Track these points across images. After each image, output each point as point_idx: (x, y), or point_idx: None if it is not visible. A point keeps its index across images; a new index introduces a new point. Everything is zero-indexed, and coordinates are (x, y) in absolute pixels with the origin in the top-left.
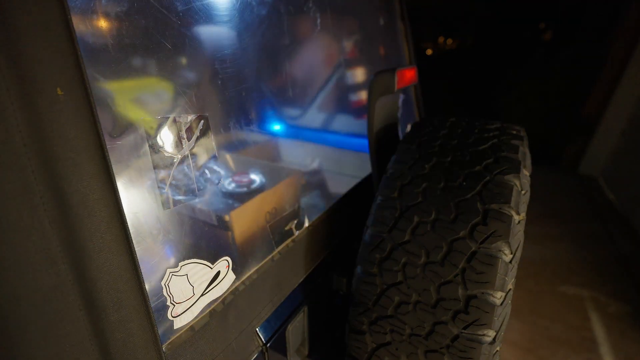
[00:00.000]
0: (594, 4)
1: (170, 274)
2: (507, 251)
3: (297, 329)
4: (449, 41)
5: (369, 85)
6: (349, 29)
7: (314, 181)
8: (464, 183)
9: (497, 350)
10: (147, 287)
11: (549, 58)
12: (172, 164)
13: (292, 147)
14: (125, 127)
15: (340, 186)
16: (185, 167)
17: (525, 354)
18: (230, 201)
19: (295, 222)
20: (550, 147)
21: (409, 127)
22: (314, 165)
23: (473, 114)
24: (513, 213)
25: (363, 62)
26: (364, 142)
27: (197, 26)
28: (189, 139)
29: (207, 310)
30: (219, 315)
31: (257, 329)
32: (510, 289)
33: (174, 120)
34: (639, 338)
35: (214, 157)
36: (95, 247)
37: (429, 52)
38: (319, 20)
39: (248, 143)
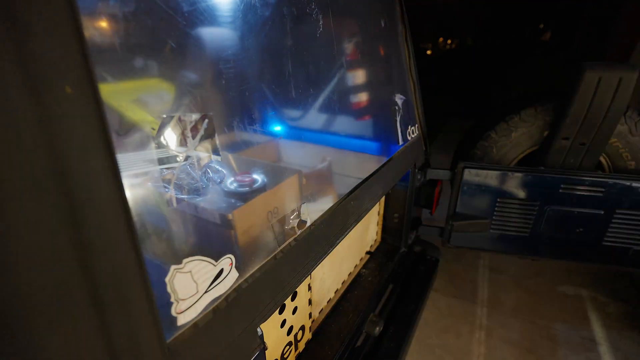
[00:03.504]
0: (592, 4)
1: (175, 270)
2: None
3: None
4: (449, 41)
5: None
6: (350, 30)
7: (316, 181)
8: None
9: None
10: (151, 283)
11: (548, 57)
12: (176, 162)
13: (294, 148)
14: (131, 125)
15: (342, 186)
16: (189, 166)
17: (525, 354)
18: (233, 200)
19: (298, 221)
20: None
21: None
22: (317, 165)
23: (472, 113)
24: None
25: (364, 63)
26: (365, 143)
27: (203, 27)
28: (193, 138)
29: (211, 308)
30: (222, 312)
31: (259, 327)
32: None
33: (179, 119)
34: (638, 337)
35: (217, 157)
36: (101, 243)
37: (429, 52)
38: (321, 22)
39: (251, 143)
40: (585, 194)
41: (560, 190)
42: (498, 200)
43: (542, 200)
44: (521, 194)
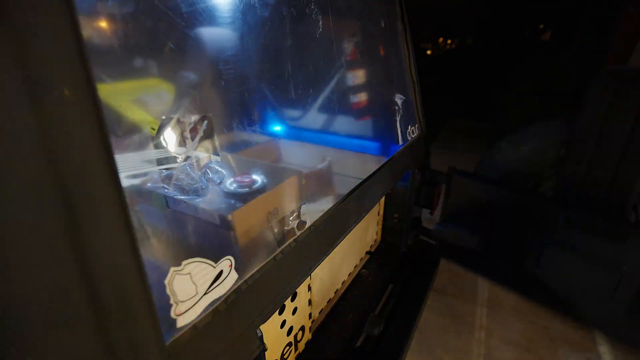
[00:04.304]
0: (592, 3)
1: (174, 272)
2: None
3: None
4: (449, 41)
5: None
6: (350, 31)
7: (316, 181)
8: None
9: None
10: (151, 285)
11: (548, 57)
12: (176, 163)
13: (294, 148)
14: (130, 127)
15: (342, 186)
16: (189, 167)
17: (525, 353)
18: (232, 201)
19: (297, 222)
20: None
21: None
22: (317, 166)
23: (472, 114)
24: None
25: (364, 63)
26: (365, 143)
27: (201, 28)
28: (192, 139)
29: (210, 309)
30: (221, 314)
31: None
32: None
33: (178, 121)
34: (638, 337)
35: (217, 157)
36: (100, 246)
37: (429, 52)
38: (321, 23)
39: (251, 143)
40: (596, 242)
41: (561, 227)
42: (487, 217)
43: (537, 231)
44: (513, 216)
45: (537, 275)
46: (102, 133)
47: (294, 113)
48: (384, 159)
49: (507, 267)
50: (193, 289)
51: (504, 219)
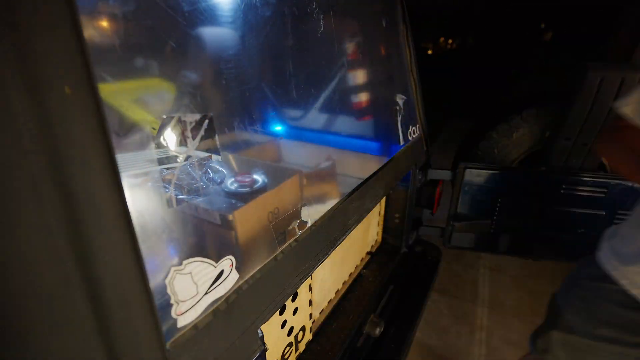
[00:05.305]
0: (594, 3)
1: (175, 272)
2: None
3: None
4: (449, 41)
5: None
6: (352, 31)
7: (317, 181)
8: None
9: None
10: (151, 285)
11: (550, 58)
12: (176, 163)
13: (295, 148)
14: (131, 126)
15: (343, 186)
16: (190, 167)
17: (525, 353)
18: (233, 201)
19: (298, 222)
20: None
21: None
22: (318, 165)
23: (473, 114)
24: None
25: (366, 63)
26: (366, 143)
27: (203, 27)
28: (193, 139)
29: (211, 309)
30: (222, 314)
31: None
32: None
33: (179, 120)
34: None
35: (217, 157)
36: (101, 245)
37: (430, 52)
38: (322, 22)
39: (252, 143)
40: (587, 194)
41: (562, 191)
42: (499, 200)
43: (543, 201)
44: (522, 194)
45: (544, 236)
46: (103, 131)
47: (295, 113)
48: (385, 159)
49: (516, 237)
50: (194, 288)
51: (516, 197)
